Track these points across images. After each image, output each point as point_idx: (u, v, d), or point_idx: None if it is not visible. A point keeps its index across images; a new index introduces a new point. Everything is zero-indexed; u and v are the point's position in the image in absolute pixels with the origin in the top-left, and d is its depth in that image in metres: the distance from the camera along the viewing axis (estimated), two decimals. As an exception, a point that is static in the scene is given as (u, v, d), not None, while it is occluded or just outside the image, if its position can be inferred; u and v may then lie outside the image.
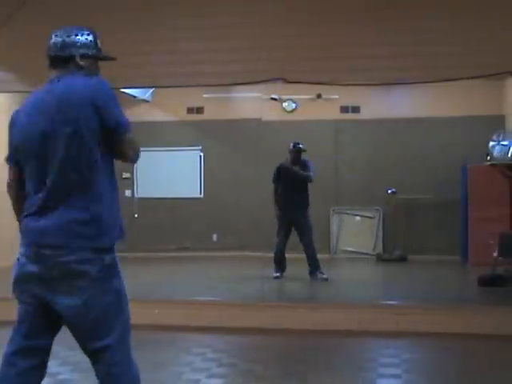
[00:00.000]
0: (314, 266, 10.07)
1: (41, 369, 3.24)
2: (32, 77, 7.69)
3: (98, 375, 3.17)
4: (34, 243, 3.06)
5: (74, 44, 3.20)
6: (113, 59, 3.37)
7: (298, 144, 10.31)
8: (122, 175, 14.04)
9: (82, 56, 3.21)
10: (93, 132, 3.01)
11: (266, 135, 13.27)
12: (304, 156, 10.43)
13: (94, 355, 3.15)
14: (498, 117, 12.53)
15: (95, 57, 3.29)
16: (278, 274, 10.23)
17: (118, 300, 3.18)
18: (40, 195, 3.06)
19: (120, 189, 12.28)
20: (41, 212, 3.05)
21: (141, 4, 7.84)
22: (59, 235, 3.01)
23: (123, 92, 12.70)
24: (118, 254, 3.16)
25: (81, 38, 3.22)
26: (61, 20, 7.71)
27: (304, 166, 10.28)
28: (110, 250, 3.11)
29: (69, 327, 3.19)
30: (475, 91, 12.22)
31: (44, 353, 3.25)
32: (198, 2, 7.77)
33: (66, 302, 3.05)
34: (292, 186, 10.20)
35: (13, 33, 7.67)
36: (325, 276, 9.97)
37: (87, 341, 3.15)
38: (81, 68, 3.20)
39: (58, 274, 3.02)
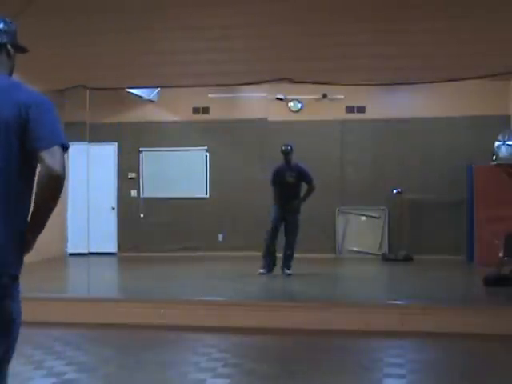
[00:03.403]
0: (288, 261, 10.47)
1: None
2: (38, 76, 7.73)
3: None
4: None
5: (5, 31, 3.03)
6: (27, 51, 3.19)
7: (284, 146, 10.66)
8: (127, 175, 14.10)
9: (12, 45, 3.07)
10: None
11: (272, 135, 13.28)
12: (297, 161, 10.69)
13: None
14: (504, 117, 12.52)
15: (19, 47, 3.14)
16: (262, 271, 10.48)
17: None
18: None
19: (126, 189, 12.32)
20: None
21: (147, 5, 7.84)
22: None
23: (129, 92, 12.75)
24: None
25: (9, 26, 3.08)
26: (67, 20, 7.78)
27: (299, 173, 10.56)
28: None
29: None
30: (481, 91, 12.21)
31: None
32: (204, 3, 7.78)
33: None
34: (286, 190, 10.53)
35: (18, 32, 7.70)
36: (290, 272, 10.43)
37: None
38: (9, 57, 3.06)
39: None
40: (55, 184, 2.74)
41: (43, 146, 2.74)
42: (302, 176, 10.53)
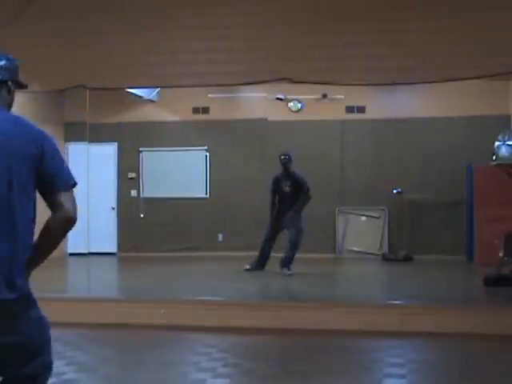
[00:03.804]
0: (287, 262, 10.44)
1: None
2: (38, 76, 7.74)
3: None
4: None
5: (6, 68, 3.07)
6: (26, 87, 3.23)
7: (283, 155, 10.76)
8: (127, 175, 14.10)
9: (12, 81, 3.10)
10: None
11: (272, 135, 13.30)
12: (294, 168, 10.77)
13: None
14: (504, 117, 12.51)
15: (19, 83, 3.17)
16: (248, 267, 10.75)
17: None
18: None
19: (126, 189, 12.31)
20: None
21: (147, 5, 7.85)
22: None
23: (129, 92, 12.74)
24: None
25: (11, 63, 3.10)
26: (67, 20, 7.78)
27: (295, 182, 10.66)
28: None
29: None
30: (481, 91, 12.20)
31: None
32: (204, 3, 7.78)
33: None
34: (283, 199, 10.70)
35: (19, 32, 7.70)
36: (290, 272, 10.36)
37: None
38: (9, 93, 3.09)
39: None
40: (68, 226, 2.94)
41: (63, 187, 2.89)
42: (298, 185, 10.62)
